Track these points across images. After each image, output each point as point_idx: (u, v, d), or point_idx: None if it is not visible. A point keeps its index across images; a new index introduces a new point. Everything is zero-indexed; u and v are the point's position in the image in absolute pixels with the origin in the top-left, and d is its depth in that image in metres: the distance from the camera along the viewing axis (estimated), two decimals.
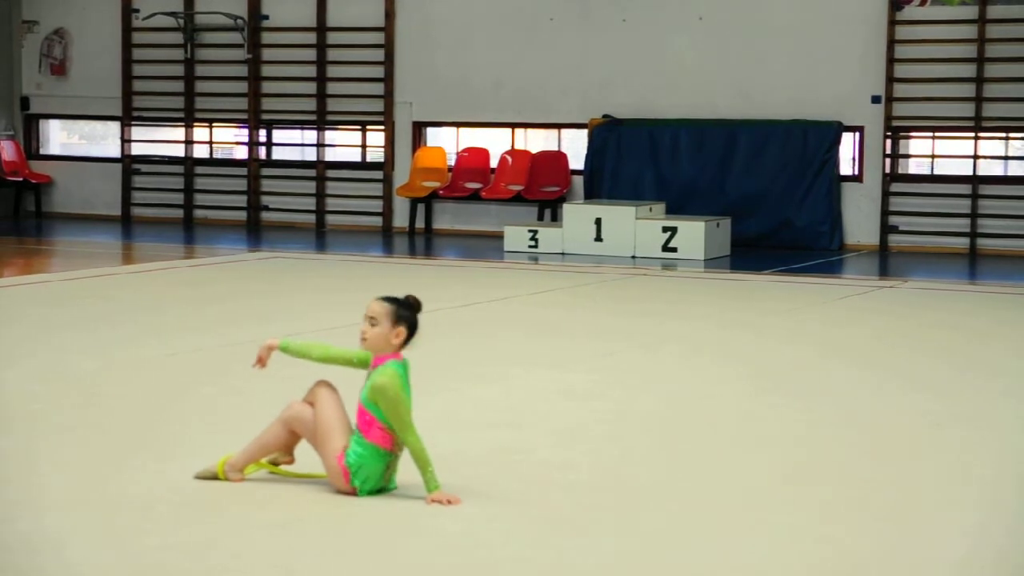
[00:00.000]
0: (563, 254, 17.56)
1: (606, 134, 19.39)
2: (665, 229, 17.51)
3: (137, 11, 21.79)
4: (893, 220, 18.50)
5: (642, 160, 19.23)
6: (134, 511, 6.42)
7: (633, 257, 17.34)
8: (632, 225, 17.62)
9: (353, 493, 6.77)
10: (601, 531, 6.28)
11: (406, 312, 6.84)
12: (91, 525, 6.22)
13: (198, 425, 8.18)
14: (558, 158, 19.89)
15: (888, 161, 18.55)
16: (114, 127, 22.48)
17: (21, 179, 22.32)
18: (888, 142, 18.49)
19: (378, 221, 20.82)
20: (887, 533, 6.25)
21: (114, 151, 22.53)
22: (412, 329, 6.86)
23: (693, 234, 17.38)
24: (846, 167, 18.80)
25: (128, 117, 22.15)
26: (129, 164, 22.23)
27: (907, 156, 18.85)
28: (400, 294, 6.74)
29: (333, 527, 6.28)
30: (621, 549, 6.00)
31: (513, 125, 20.24)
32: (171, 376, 9.65)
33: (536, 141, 20.30)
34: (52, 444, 7.66)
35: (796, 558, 5.96)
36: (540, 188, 19.71)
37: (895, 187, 18.53)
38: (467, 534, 6.12)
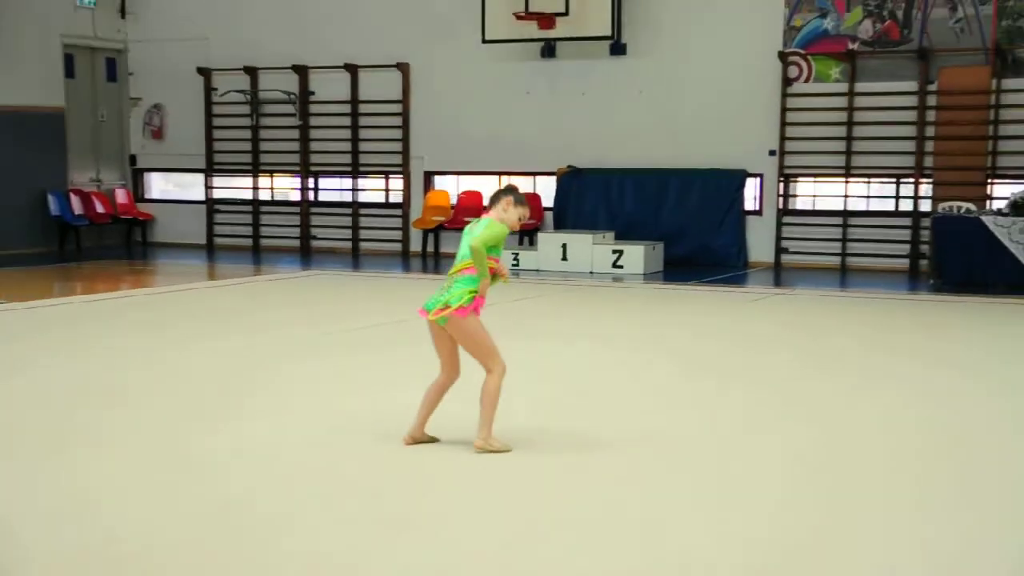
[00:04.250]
0: (538, 270, 17.71)
1: (570, 180, 19.52)
2: (614, 251, 17.66)
3: (216, 89, 21.93)
4: (785, 244, 18.62)
5: (597, 200, 19.33)
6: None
7: (591, 272, 17.49)
8: (590, 248, 17.77)
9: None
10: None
11: (500, 195, 7.17)
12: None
13: (269, 393, 8.34)
14: (534, 198, 19.92)
15: (781, 199, 18.60)
16: (200, 177, 22.53)
17: (131, 217, 22.46)
18: (781, 185, 18.56)
19: (398, 247, 20.97)
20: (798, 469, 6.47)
21: (200, 195, 22.59)
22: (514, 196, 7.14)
23: (635, 255, 17.55)
24: (750, 204, 18.85)
25: (210, 169, 22.28)
26: (211, 205, 22.37)
27: (795, 196, 18.85)
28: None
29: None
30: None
31: (499, 173, 20.24)
32: (251, 357, 9.79)
33: (518, 185, 20.28)
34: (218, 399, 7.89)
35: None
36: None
37: (786, 219, 18.65)
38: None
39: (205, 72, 21.98)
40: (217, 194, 22.37)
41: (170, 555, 5.11)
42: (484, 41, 19.46)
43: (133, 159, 22.98)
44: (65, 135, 21.70)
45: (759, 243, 18.73)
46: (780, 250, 18.62)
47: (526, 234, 19.45)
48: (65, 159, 21.73)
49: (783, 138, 18.38)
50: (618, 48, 19.21)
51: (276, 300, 14.53)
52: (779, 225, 18.62)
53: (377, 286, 16.19)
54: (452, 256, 20.55)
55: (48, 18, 21.29)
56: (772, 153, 18.50)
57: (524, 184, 20.22)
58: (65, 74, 21.72)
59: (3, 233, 20.26)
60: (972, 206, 16.28)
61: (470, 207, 20.25)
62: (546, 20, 18.87)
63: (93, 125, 22.39)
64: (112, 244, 22.16)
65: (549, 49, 19.66)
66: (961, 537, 5.48)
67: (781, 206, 18.62)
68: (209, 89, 22.02)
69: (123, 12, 22.52)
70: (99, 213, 21.79)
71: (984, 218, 15.45)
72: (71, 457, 6.70)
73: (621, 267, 17.49)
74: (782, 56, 18.31)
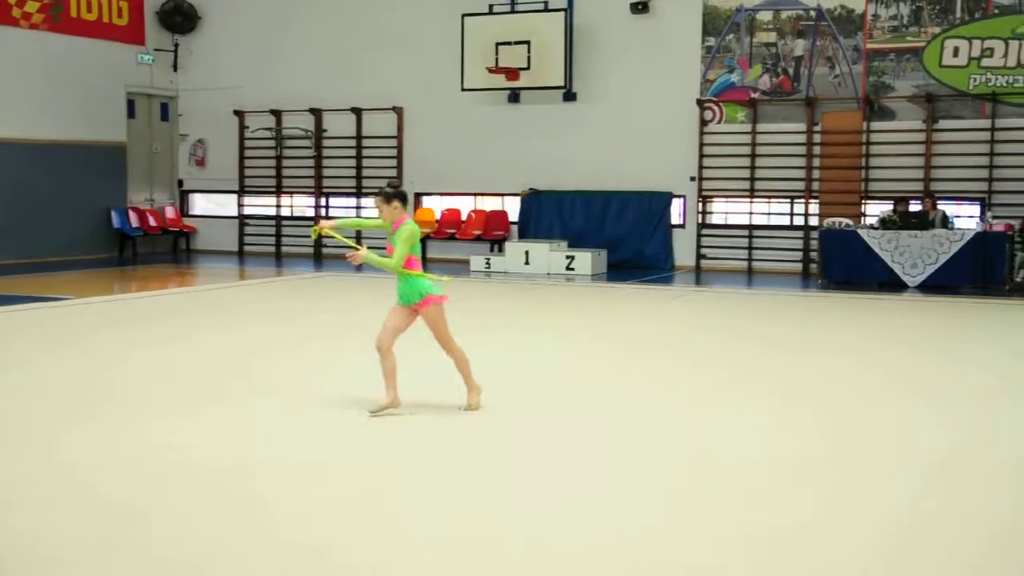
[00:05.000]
0: (506, 272, 17.68)
1: (531, 200, 19.52)
2: (567, 256, 17.65)
3: (247, 127, 21.86)
4: (703, 251, 18.67)
5: (553, 215, 19.31)
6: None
7: (548, 274, 17.46)
8: (547, 255, 17.73)
9: (442, 299, 6.69)
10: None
11: (390, 191, 6.80)
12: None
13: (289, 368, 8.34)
14: (502, 214, 20.02)
15: (700, 215, 18.65)
16: (233, 197, 22.41)
17: (178, 229, 22.33)
18: (700, 204, 18.61)
19: None
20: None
21: (233, 212, 22.46)
22: (401, 198, 6.78)
23: (584, 259, 17.54)
24: (676, 219, 18.87)
25: (242, 191, 22.18)
26: (242, 220, 22.27)
27: (711, 212, 18.86)
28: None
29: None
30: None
31: (475, 194, 20.28)
32: (274, 340, 9.83)
33: (489, 203, 20.39)
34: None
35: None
36: (492, 232, 19.89)
37: (704, 231, 18.70)
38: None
39: (239, 113, 21.89)
40: (247, 211, 22.27)
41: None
42: (463, 89, 19.44)
43: (180, 183, 22.86)
44: (126, 163, 21.53)
45: (683, 250, 18.76)
46: (700, 256, 18.67)
47: (496, 243, 19.48)
48: (125, 182, 21.57)
49: (701, 167, 18.43)
50: (570, 95, 19.24)
51: (296, 295, 14.53)
52: (699, 236, 18.67)
53: (375, 284, 16.04)
54: (437, 260, 20.15)
55: (116, 71, 21.19)
56: (692, 179, 18.55)
57: (494, 203, 20.27)
58: (128, 115, 21.59)
59: (75, 242, 20.19)
60: (850, 221, 16.41)
61: (451, 221, 20.29)
62: (512, 73, 18.90)
63: (149, 156, 22.24)
64: (162, 251, 22.02)
65: (514, 96, 19.69)
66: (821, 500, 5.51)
67: (700, 220, 18.66)
68: (242, 127, 21.93)
69: (175, 66, 22.40)
70: (152, 226, 21.66)
71: (860, 231, 15.59)
72: (173, 416, 6.66)
73: (573, 269, 17.49)
74: (699, 103, 18.39)
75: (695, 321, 11.88)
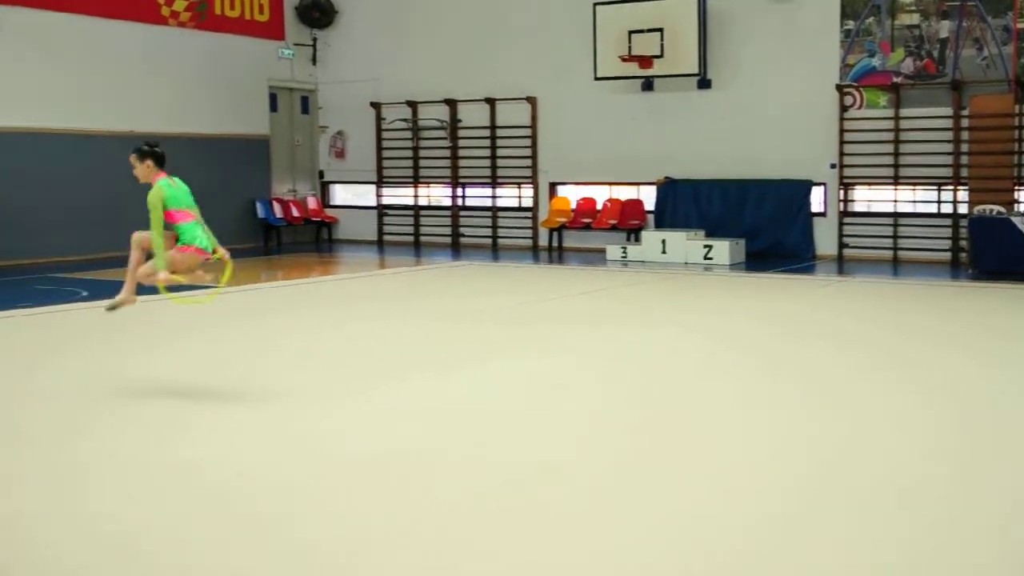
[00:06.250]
0: (643, 261, 17.63)
1: (667, 189, 19.35)
2: (705, 246, 17.51)
3: (384, 119, 22.18)
4: (845, 240, 18.27)
5: (689, 204, 19.11)
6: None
7: (685, 263, 17.35)
8: (684, 244, 17.61)
9: (205, 254, 7.05)
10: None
11: (145, 149, 7.05)
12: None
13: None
14: (638, 203, 19.91)
15: (841, 203, 18.24)
16: (372, 188, 22.75)
17: (319, 220, 22.81)
18: (841, 191, 18.22)
19: (529, 242, 21.02)
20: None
21: (372, 202, 22.80)
22: (154, 157, 7.00)
23: (722, 249, 17.36)
24: (816, 207, 18.49)
25: (380, 181, 22.53)
26: (381, 210, 22.61)
27: (853, 200, 18.41)
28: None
29: None
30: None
31: (610, 183, 20.21)
32: (412, 326, 9.95)
33: (624, 192, 20.30)
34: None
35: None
36: (627, 221, 19.79)
37: (846, 219, 18.28)
38: None
39: (376, 105, 22.22)
40: (385, 201, 22.57)
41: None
42: (596, 79, 19.39)
43: (321, 174, 23.34)
44: (269, 156, 22.13)
45: (824, 239, 18.36)
46: (842, 245, 18.26)
47: (632, 232, 19.39)
48: (269, 174, 22.15)
49: (842, 153, 18.02)
50: (704, 83, 18.98)
51: (433, 283, 14.68)
52: (840, 224, 18.27)
53: (512, 273, 16.26)
54: (572, 250, 20.10)
55: (257, 67, 21.77)
56: (833, 166, 18.14)
57: (629, 192, 20.16)
58: (270, 109, 22.15)
59: (222, 233, 20.20)
60: (1003, 208, 15.83)
61: (586, 210, 20.26)
62: (646, 61, 18.76)
63: (290, 148, 22.75)
64: (304, 241, 22.54)
65: (648, 84, 19.51)
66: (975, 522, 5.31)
67: (842, 209, 18.25)
68: (379, 119, 22.26)
69: (314, 60, 22.87)
70: (294, 216, 22.17)
71: (1013, 218, 15.05)
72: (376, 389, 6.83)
73: (711, 259, 17.32)
74: (839, 88, 17.98)
75: (857, 311, 11.57)
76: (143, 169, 7.05)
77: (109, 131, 18.87)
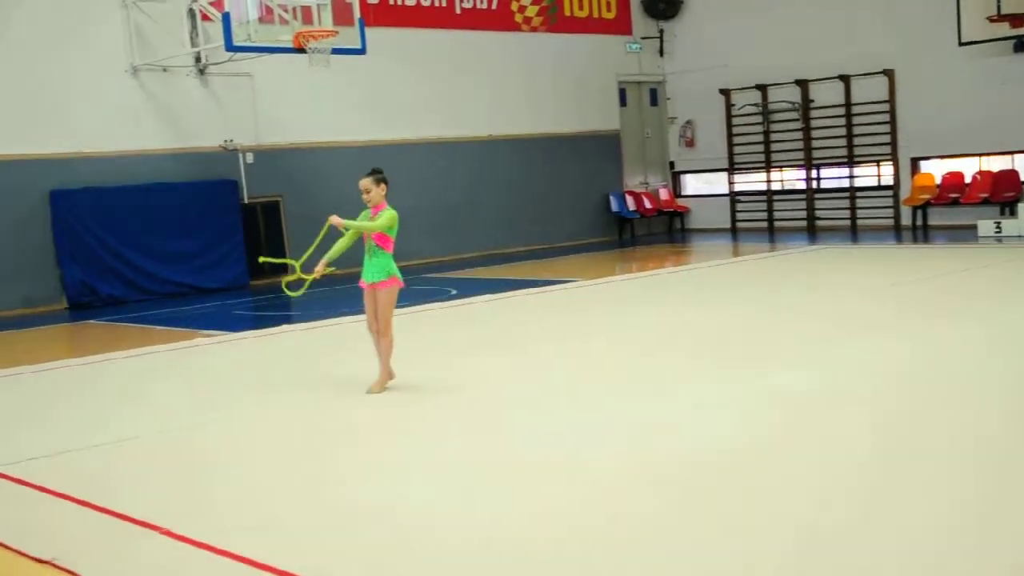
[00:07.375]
0: (1020, 236, 16.40)
1: None
2: None
3: (734, 105, 21.93)
4: None
5: None
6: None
7: None
8: None
9: (400, 284, 7.39)
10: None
11: (383, 176, 7.28)
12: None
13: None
14: (1012, 174, 18.42)
15: None
16: (723, 175, 22.57)
17: (671, 210, 22.93)
18: None
19: (890, 222, 20.02)
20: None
21: (724, 190, 22.62)
22: (387, 183, 7.31)
23: None
24: None
25: (731, 168, 22.31)
26: (733, 197, 22.39)
27: None
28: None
29: None
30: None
31: (979, 154, 18.88)
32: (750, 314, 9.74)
33: (995, 163, 18.86)
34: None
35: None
36: (1001, 194, 18.36)
37: None
38: None
39: (725, 92, 22.03)
40: (737, 187, 22.33)
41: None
42: (960, 44, 18.15)
43: (672, 164, 23.43)
44: (620, 150, 22.52)
45: None
46: None
47: (1006, 205, 17.99)
48: (620, 168, 22.53)
49: None
50: None
51: (785, 268, 14.31)
52: None
53: (874, 255, 15.56)
54: (937, 227, 19.04)
55: (607, 62, 22.26)
56: None
57: (1001, 162, 18.73)
58: (619, 104, 22.54)
59: (578, 226, 21.55)
60: None
61: (953, 185, 19.05)
62: (1018, 20, 17.31)
63: (640, 140, 23.02)
64: (657, 232, 22.74)
65: (1020, 44, 17.95)
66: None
67: None
68: (728, 105, 22.05)
69: (661, 52, 23.04)
70: (647, 208, 22.41)
71: None
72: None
73: None
74: None
75: None
76: (378, 193, 7.30)
77: (471, 137, 19.87)
